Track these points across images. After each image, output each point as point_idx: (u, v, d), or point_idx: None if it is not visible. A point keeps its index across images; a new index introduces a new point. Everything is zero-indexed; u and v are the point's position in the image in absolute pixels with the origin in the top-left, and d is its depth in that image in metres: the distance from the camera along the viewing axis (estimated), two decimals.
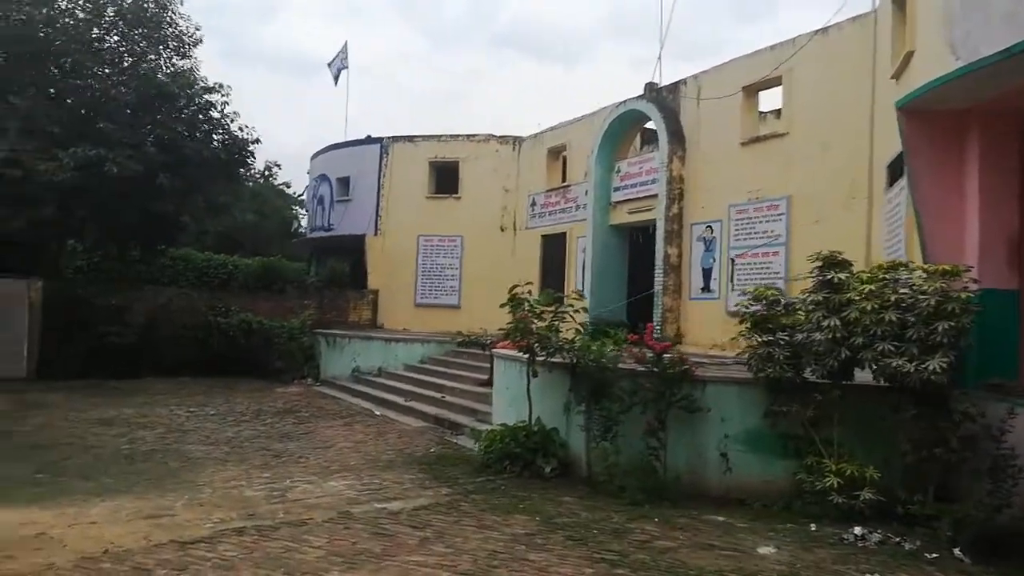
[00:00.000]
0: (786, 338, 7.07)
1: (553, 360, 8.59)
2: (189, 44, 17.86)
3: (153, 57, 17.28)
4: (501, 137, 20.88)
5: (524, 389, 9.29)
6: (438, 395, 12.69)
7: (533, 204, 19.79)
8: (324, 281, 20.62)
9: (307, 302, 20.03)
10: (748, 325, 7.53)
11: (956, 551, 5.74)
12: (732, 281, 13.57)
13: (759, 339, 7.27)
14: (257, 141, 17.47)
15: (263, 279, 19.88)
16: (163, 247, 18.11)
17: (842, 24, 11.81)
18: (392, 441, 10.15)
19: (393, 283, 21.08)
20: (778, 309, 7.38)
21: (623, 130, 16.70)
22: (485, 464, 8.43)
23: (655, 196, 15.35)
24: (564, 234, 18.33)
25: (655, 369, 7.48)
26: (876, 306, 6.40)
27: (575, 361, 8.03)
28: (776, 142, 12.96)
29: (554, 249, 18.76)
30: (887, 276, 6.67)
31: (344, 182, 22.75)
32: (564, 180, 18.90)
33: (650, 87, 15.80)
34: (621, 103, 16.19)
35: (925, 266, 6.79)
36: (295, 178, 45.84)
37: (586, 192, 17.51)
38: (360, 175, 22.16)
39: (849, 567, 5.47)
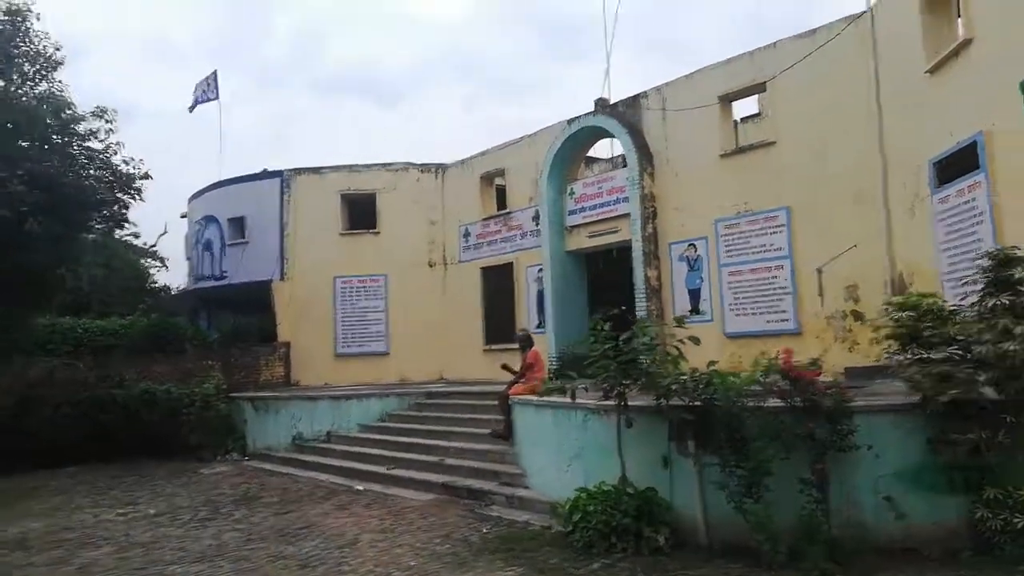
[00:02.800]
0: (959, 352, 6.07)
1: (639, 404, 7.13)
2: (49, 66, 14.79)
3: (5, 81, 14.11)
4: (422, 165, 19.24)
5: (595, 442, 7.80)
6: (434, 459, 10.73)
7: (466, 235, 18.24)
8: (228, 338, 17.78)
9: (210, 362, 17.13)
10: (894, 340, 6.47)
11: None
12: (723, 300, 12.76)
13: (912, 355, 6.22)
14: (147, 176, 14.64)
15: (156, 340, 16.76)
16: (29, 311, 14.70)
17: (832, 25, 11.45)
18: (420, 524, 8.17)
19: (307, 333, 18.67)
20: (930, 319, 6.36)
21: (575, 149, 15.66)
22: (586, 544, 6.74)
23: (619, 217, 14.39)
24: (510, 264, 16.92)
25: (803, 403, 6.22)
26: None
27: (690, 402, 6.59)
28: (763, 152, 12.38)
29: (498, 281, 17.28)
30: None
31: (237, 223, 20.06)
32: (503, 207, 17.53)
33: (601, 102, 14.90)
34: (573, 120, 15.14)
35: None
36: (143, 226, 41.00)
37: (532, 218, 16.29)
38: (258, 214, 19.62)
39: None
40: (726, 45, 58.93)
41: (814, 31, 11.65)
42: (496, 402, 10.72)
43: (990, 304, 5.93)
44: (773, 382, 6.40)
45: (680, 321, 7.08)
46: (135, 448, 14.19)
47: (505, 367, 10.99)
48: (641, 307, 13.61)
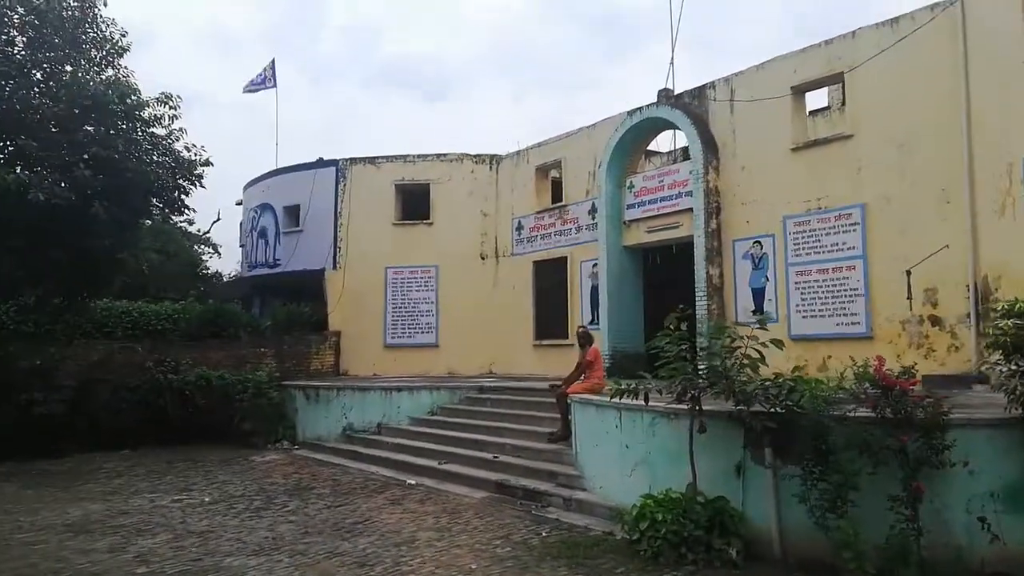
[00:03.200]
0: None
1: (713, 409, 6.77)
2: (116, 52, 14.92)
3: (73, 66, 14.28)
4: (476, 156, 19.01)
5: (663, 448, 7.47)
6: (488, 455, 10.50)
7: (519, 228, 17.96)
8: (281, 325, 17.85)
9: (263, 350, 17.24)
10: (997, 349, 5.98)
11: None
12: (789, 301, 12.23)
13: (1017, 367, 5.73)
14: (207, 163, 14.70)
15: (211, 326, 16.90)
16: (90, 294, 14.93)
17: (915, 14, 10.80)
18: (477, 524, 7.95)
19: (358, 323, 18.63)
20: None
21: (637, 142, 15.24)
22: (654, 553, 6.42)
23: (681, 212, 13.92)
24: (564, 259, 16.57)
25: (896, 414, 5.78)
26: None
27: (772, 409, 6.20)
28: (838, 146, 11.79)
29: (551, 276, 16.97)
30: None
31: (292, 211, 20.15)
32: (559, 200, 17.20)
33: (665, 93, 14.42)
34: (634, 111, 14.72)
35: None
36: (196, 214, 41.66)
37: (589, 211, 15.93)
38: (313, 203, 19.65)
39: None
40: (763, 46, 57.31)
41: (896, 19, 11.02)
42: (553, 400, 10.46)
43: None
44: (863, 390, 5.97)
45: (763, 323, 6.68)
46: (189, 433, 14.31)
47: (552, 386, 10.59)
48: (702, 306, 13.14)
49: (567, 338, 16.37)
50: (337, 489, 10.08)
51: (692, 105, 13.86)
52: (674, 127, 14.45)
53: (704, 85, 13.83)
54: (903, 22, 10.92)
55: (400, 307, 18.85)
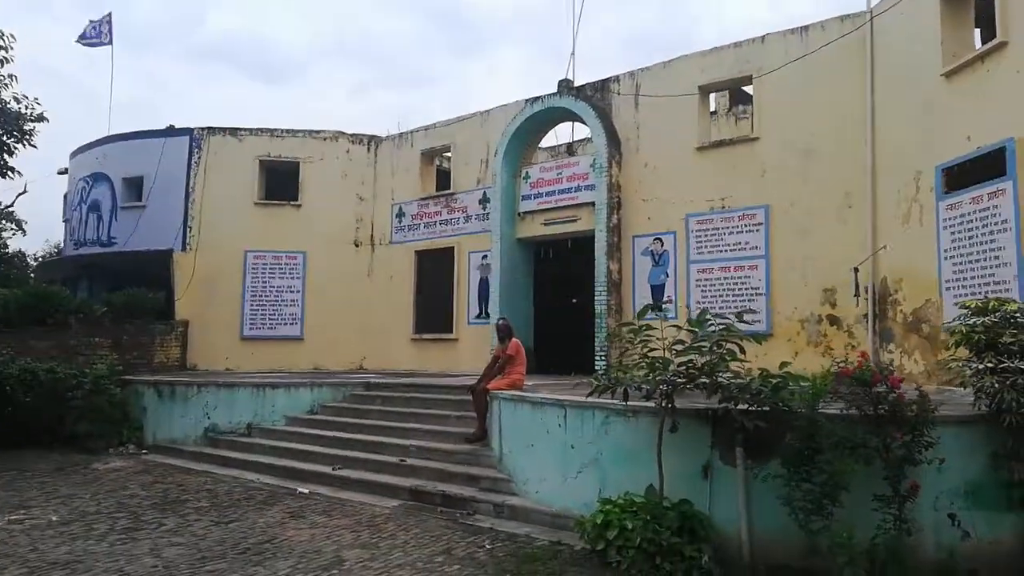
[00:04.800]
0: None
1: (684, 407, 6.34)
2: None
3: None
4: (353, 135, 17.71)
5: (617, 448, 6.94)
6: (391, 459, 9.48)
7: (400, 215, 16.92)
8: (120, 312, 15.54)
9: (98, 339, 14.92)
10: (966, 348, 6.01)
11: None
12: (689, 298, 12.25)
13: (990, 363, 5.76)
14: (42, 118, 12.38)
15: (33, 311, 14.31)
16: None
17: (826, 23, 11.16)
18: (404, 537, 6.99)
19: (210, 311, 16.71)
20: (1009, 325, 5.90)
21: (535, 131, 14.76)
22: (628, 564, 5.83)
23: (580, 205, 13.63)
24: (451, 249, 15.77)
25: (885, 411, 5.60)
26: None
27: (757, 407, 5.83)
28: (744, 147, 11.96)
29: (434, 266, 16.11)
30: None
31: (134, 184, 17.76)
32: (445, 187, 16.37)
33: (565, 84, 14.07)
34: (534, 99, 14.23)
35: None
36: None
37: (479, 201, 15.28)
38: (160, 175, 17.44)
39: None
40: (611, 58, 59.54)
41: (806, 28, 11.33)
42: (458, 397, 9.65)
43: None
44: (843, 388, 5.75)
45: (740, 316, 6.30)
46: (6, 437, 11.92)
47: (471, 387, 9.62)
48: (601, 300, 12.89)
49: (451, 332, 15.63)
50: (217, 501, 8.62)
51: (595, 98, 13.58)
52: (576, 118, 14.13)
53: (608, 79, 13.61)
54: (813, 30, 11.24)
55: (260, 295, 17.11)
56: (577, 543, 6.48)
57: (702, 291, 12.12)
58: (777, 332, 11.34)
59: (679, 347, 6.21)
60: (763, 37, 11.75)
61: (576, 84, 14.04)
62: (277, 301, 17.16)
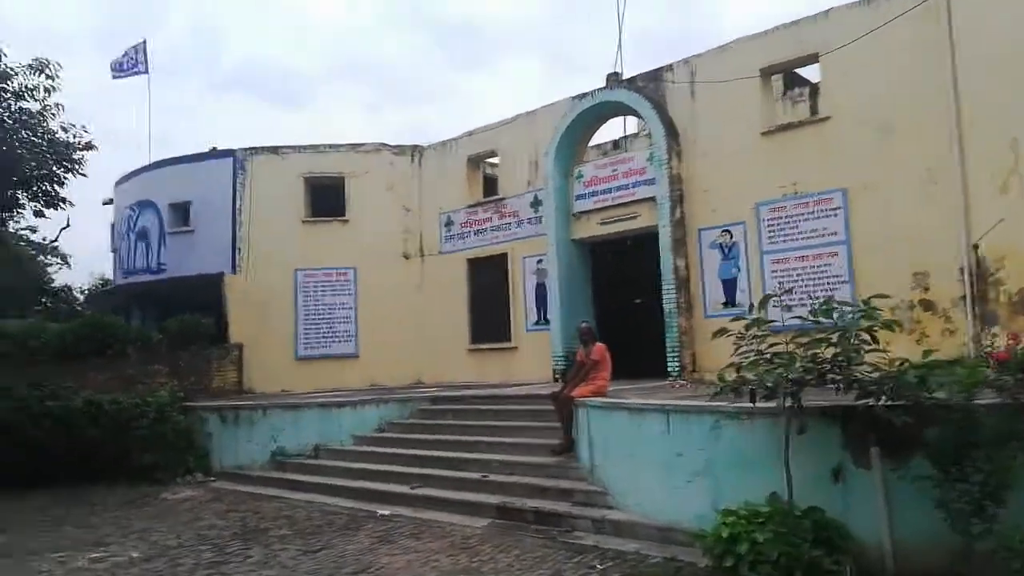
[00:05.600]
0: None
1: (812, 405, 5.82)
2: None
3: None
4: (396, 147, 17.44)
5: (731, 454, 6.45)
6: (472, 475, 9.08)
7: (449, 224, 16.57)
8: (175, 339, 15.41)
9: (156, 367, 14.78)
10: None
11: None
12: (765, 290, 11.65)
13: None
14: (90, 147, 12.28)
15: (90, 342, 14.22)
16: None
17: None
18: (506, 560, 6.58)
19: (264, 333, 16.54)
20: None
21: (587, 128, 14.32)
22: None
23: (640, 201, 13.14)
24: (503, 255, 15.37)
25: None
26: None
27: (899, 402, 5.29)
28: (813, 129, 11.39)
29: (488, 274, 15.71)
30: None
31: (181, 209, 17.68)
32: (492, 192, 16.01)
33: (614, 77, 13.61)
34: (584, 95, 13.79)
35: None
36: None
37: (531, 204, 14.87)
38: (205, 199, 17.34)
39: None
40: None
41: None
42: (534, 407, 9.20)
43: None
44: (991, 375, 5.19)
45: (829, 304, 5.77)
46: (75, 471, 11.77)
47: (553, 394, 9.10)
48: (670, 299, 12.38)
49: (508, 340, 15.22)
50: (298, 528, 8.30)
51: (648, 89, 13.10)
52: (630, 112, 13.67)
53: (660, 68, 13.11)
54: (880, 1, 10.62)
55: (313, 314, 16.90)
56: (698, 559, 6.00)
57: (779, 282, 11.49)
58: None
59: (802, 340, 5.69)
60: (827, 12, 11.17)
61: (625, 76, 13.57)
62: (330, 319, 16.93)
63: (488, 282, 15.67)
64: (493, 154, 15.91)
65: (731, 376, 5.84)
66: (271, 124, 59.82)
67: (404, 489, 9.35)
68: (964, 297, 9.86)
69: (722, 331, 6.11)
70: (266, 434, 11.95)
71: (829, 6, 11.21)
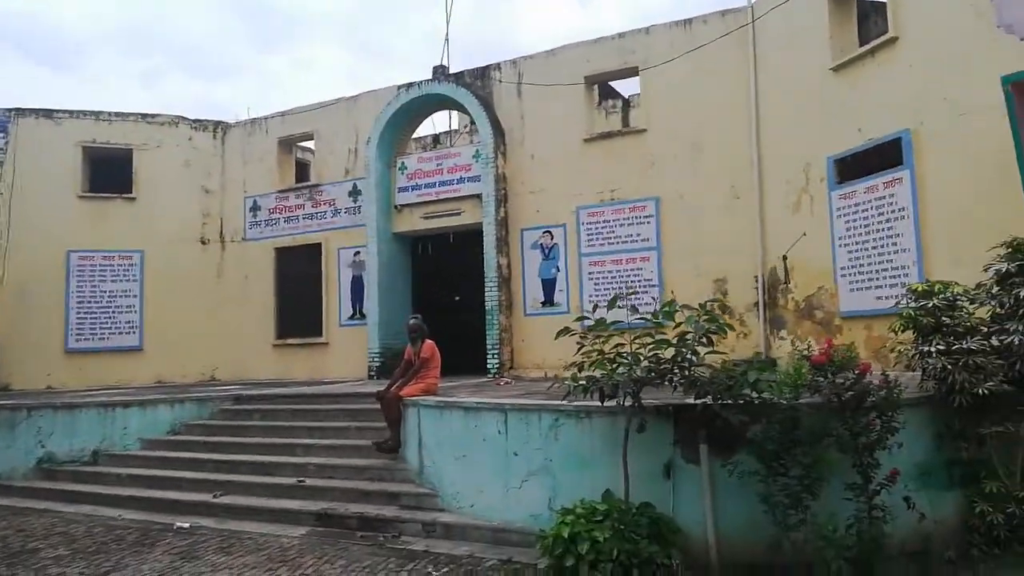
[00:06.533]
0: (984, 343, 5.84)
1: (650, 403, 5.99)
2: None
3: None
4: (196, 121, 15.89)
5: (569, 453, 6.48)
6: (286, 480, 8.36)
7: (255, 209, 15.43)
8: None
9: None
10: (914, 329, 6.12)
11: None
12: (582, 291, 12.09)
13: (939, 346, 5.90)
14: None
15: None
16: None
17: (708, 18, 11.39)
18: (329, 572, 6.07)
19: (25, 322, 14.38)
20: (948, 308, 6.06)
21: (412, 119, 13.97)
22: None
23: (465, 198, 13.07)
24: (317, 245, 14.57)
25: (851, 397, 5.53)
26: None
27: (733, 400, 5.56)
28: (632, 139, 11.97)
29: (298, 265, 14.82)
30: None
31: None
32: (306, 178, 15.14)
33: (441, 70, 13.42)
34: (410, 85, 13.43)
35: None
36: None
37: (349, 193, 14.24)
38: None
39: None
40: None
41: (689, 21, 11.49)
42: (364, 405, 8.74)
43: (1022, 294, 5.78)
44: (825, 377, 5.61)
45: (635, 308, 6.01)
46: None
47: (379, 393, 8.61)
48: (492, 296, 12.40)
49: (320, 335, 14.47)
50: (78, 547, 7.12)
51: (476, 85, 13.04)
52: (456, 106, 13.53)
53: (488, 66, 13.13)
54: (696, 23, 11.40)
55: (89, 301, 14.92)
56: (535, 560, 5.91)
57: (594, 284, 11.99)
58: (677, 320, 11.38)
59: (647, 341, 5.82)
60: (647, 29, 11.80)
61: (453, 71, 13.41)
62: (110, 308, 15.03)
63: (298, 273, 14.76)
64: (308, 137, 15.02)
65: (573, 375, 5.83)
66: (38, 86, 52.04)
67: (207, 497, 8.40)
68: (757, 303, 10.84)
69: (566, 330, 6.09)
70: (30, 438, 10.22)
71: (650, 23, 11.84)
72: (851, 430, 5.51)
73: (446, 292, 13.84)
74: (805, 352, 5.93)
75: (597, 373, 5.79)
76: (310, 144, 15.46)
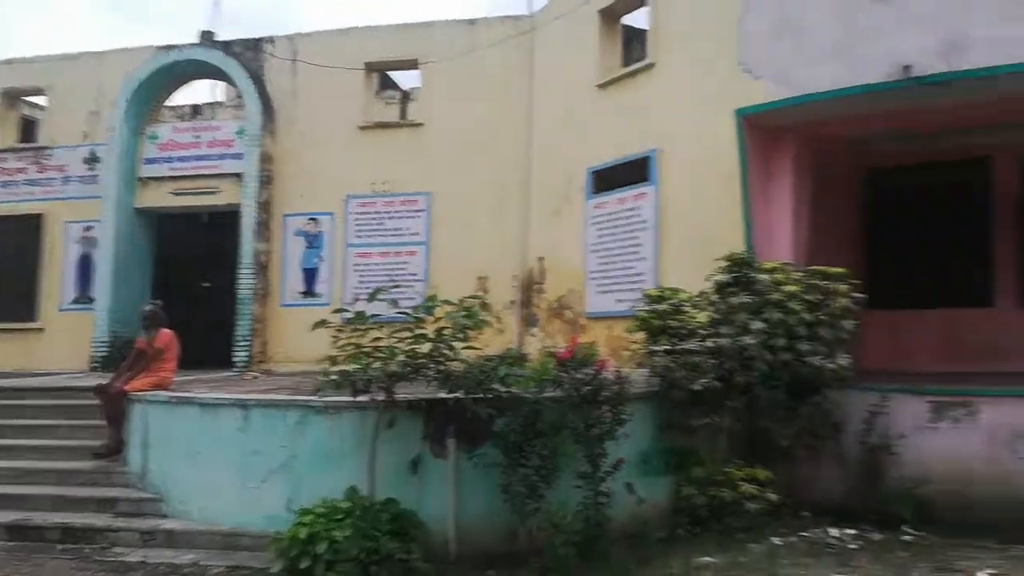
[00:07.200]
0: (702, 344, 6.43)
1: (402, 399, 5.84)
2: None
3: None
4: None
5: (314, 449, 6.14)
6: None
7: None
8: None
9: None
10: (645, 330, 6.59)
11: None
12: (346, 283, 11.71)
13: (666, 346, 6.43)
14: None
15: None
16: None
17: (491, 21, 11.58)
18: None
19: None
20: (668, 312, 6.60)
21: (169, 84, 12.64)
22: None
23: (224, 176, 12.13)
24: (39, 216, 12.68)
25: (591, 391, 5.79)
26: (800, 307, 6.45)
27: (485, 394, 5.57)
28: (409, 132, 11.85)
29: (12, 238, 12.83)
30: (800, 277, 6.75)
31: None
32: (33, 138, 13.13)
33: (208, 36, 12.33)
34: (170, 47, 12.16)
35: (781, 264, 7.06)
36: None
37: (84, 160, 12.62)
38: None
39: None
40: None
41: (473, 21, 11.60)
42: (99, 402, 7.54)
43: (736, 302, 6.44)
44: (568, 373, 5.81)
45: (396, 303, 5.95)
46: None
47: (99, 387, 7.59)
48: (247, 284, 11.57)
49: (33, 320, 12.61)
50: None
51: (246, 57, 12.12)
52: (222, 76, 12.45)
53: (262, 38, 12.28)
54: (479, 25, 11.53)
55: None
56: (270, 564, 5.49)
57: (359, 276, 11.64)
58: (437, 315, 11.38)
59: (404, 335, 5.66)
60: (430, 23, 11.72)
61: (223, 39, 12.35)
62: None
63: (11, 247, 12.71)
64: (40, 92, 13.03)
65: (325, 369, 5.53)
66: None
67: None
68: (514, 302, 11.18)
69: (323, 322, 5.78)
70: None
71: (433, 18, 11.77)
72: (586, 422, 5.76)
73: (195, 277, 12.64)
74: (552, 349, 6.10)
75: (351, 367, 5.52)
76: (43, 100, 13.42)
